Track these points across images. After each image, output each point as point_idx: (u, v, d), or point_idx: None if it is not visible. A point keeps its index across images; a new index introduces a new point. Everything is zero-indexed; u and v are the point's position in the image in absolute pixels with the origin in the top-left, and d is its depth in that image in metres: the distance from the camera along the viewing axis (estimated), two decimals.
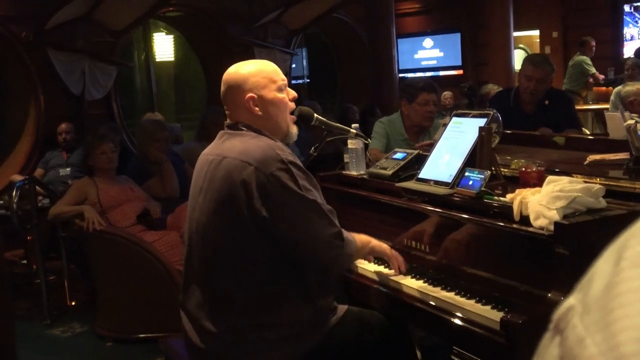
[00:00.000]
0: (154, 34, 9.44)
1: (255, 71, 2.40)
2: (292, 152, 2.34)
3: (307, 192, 2.25)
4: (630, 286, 0.54)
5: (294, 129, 2.51)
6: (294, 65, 10.58)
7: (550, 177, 2.24)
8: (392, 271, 2.62)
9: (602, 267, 0.58)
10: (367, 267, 2.73)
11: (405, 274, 2.59)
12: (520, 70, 4.50)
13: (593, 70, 9.88)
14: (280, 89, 2.42)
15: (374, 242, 2.55)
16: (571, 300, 0.58)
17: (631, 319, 0.52)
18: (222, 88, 2.42)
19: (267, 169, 2.20)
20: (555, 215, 2.05)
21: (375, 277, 2.69)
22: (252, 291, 2.27)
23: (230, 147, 2.32)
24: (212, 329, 2.31)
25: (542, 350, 0.60)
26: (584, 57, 9.93)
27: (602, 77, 9.91)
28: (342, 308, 2.46)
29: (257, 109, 2.36)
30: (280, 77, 2.44)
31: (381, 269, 2.71)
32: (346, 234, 2.34)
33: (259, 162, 2.21)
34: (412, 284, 2.52)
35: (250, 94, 2.35)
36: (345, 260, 2.35)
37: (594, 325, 0.54)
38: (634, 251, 0.56)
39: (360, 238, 2.48)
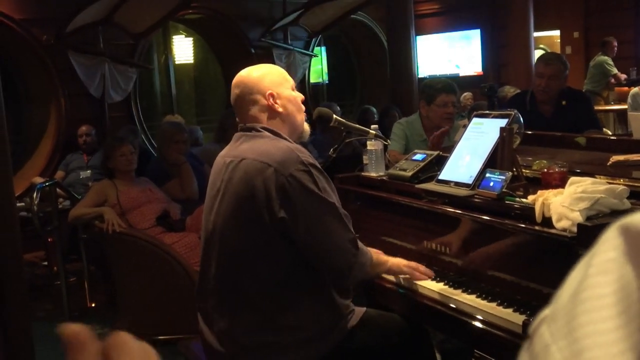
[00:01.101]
0: (174, 37, 9.47)
1: (268, 71, 2.43)
2: (310, 154, 2.32)
3: (326, 195, 2.23)
4: (596, 293, 0.54)
5: (307, 127, 2.52)
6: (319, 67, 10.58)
7: (572, 178, 2.20)
8: None
9: (574, 274, 0.58)
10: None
11: None
12: (534, 70, 4.45)
13: (615, 70, 9.77)
14: (293, 89, 2.44)
15: (391, 262, 2.52)
16: (546, 311, 0.58)
17: (595, 325, 0.52)
18: (236, 91, 2.42)
19: (287, 170, 2.18)
20: (578, 217, 2.02)
21: (395, 280, 2.66)
22: (269, 293, 2.25)
23: (248, 148, 2.31)
24: (229, 331, 2.30)
25: None
26: (606, 58, 9.82)
27: (624, 77, 9.79)
28: (360, 310, 2.44)
29: (276, 105, 2.36)
30: (291, 78, 2.48)
31: None
32: (360, 244, 2.32)
33: (279, 163, 2.20)
34: (432, 286, 2.49)
35: (270, 91, 2.36)
36: (359, 268, 2.31)
37: (559, 331, 0.54)
38: (602, 258, 0.56)
39: (378, 256, 2.46)
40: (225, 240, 2.30)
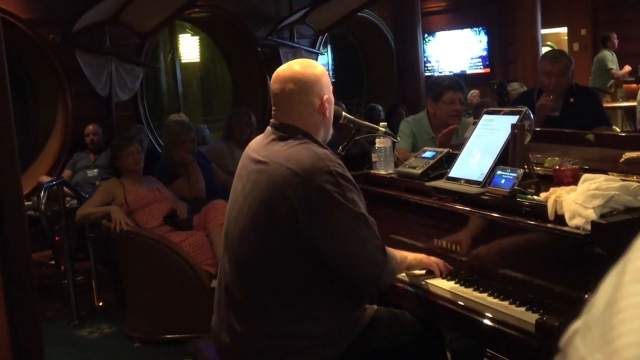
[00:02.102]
0: (180, 36, 9.46)
1: (323, 72, 2.36)
2: (341, 163, 2.25)
3: (354, 205, 2.18)
4: (631, 302, 0.53)
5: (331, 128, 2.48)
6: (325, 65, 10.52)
7: (585, 175, 2.18)
8: (424, 271, 2.58)
9: (604, 286, 0.58)
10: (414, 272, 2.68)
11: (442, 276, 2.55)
12: (539, 70, 4.39)
13: (611, 65, 9.69)
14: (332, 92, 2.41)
15: (410, 257, 2.51)
16: (577, 324, 0.58)
17: (632, 335, 0.50)
18: (290, 86, 2.29)
19: (315, 180, 2.12)
20: (592, 214, 2.00)
21: (406, 278, 2.64)
22: (284, 303, 2.22)
23: (278, 150, 2.25)
24: (241, 333, 2.28)
25: None
26: (606, 53, 9.78)
27: (622, 73, 9.69)
28: (371, 309, 2.43)
29: (327, 110, 2.33)
30: None
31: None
32: (388, 249, 2.29)
33: (307, 171, 2.13)
34: (443, 284, 2.47)
35: (326, 95, 2.31)
36: (388, 276, 2.29)
37: (595, 343, 0.53)
38: (635, 265, 0.55)
39: (400, 254, 2.44)
40: (243, 243, 2.26)
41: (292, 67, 2.34)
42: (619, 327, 0.51)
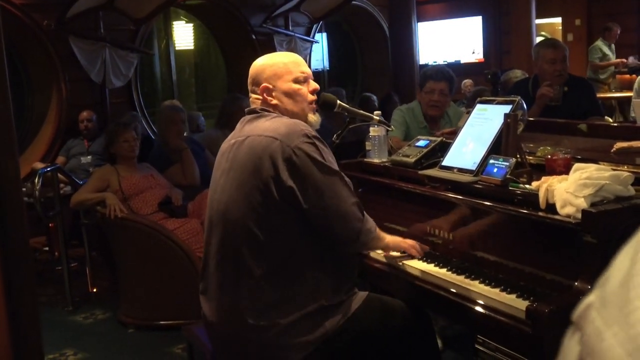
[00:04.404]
0: (174, 22, 9.42)
1: (273, 62, 2.51)
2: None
3: (331, 164, 2.32)
4: None
5: (314, 118, 2.54)
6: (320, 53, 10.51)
7: (577, 165, 2.20)
8: (415, 259, 2.61)
9: (619, 261, 0.59)
10: (391, 253, 2.71)
11: (429, 262, 2.58)
12: (538, 58, 4.35)
13: (593, 54, 9.67)
14: (297, 81, 2.48)
15: (388, 239, 2.58)
16: (590, 298, 0.58)
17: None
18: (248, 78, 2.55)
19: (293, 142, 2.27)
20: (582, 203, 2.02)
21: (397, 265, 2.67)
22: (273, 265, 2.29)
23: (253, 127, 2.40)
24: (232, 308, 2.32)
25: (563, 349, 0.60)
26: (600, 43, 9.79)
27: (604, 64, 9.66)
28: (363, 294, 2.46)
29: (269, 97, 2.46)
30: (299, 70, 2.51)
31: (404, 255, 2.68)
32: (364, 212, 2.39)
33: (284, 136, 2.29)
34: (436, 272, 2.50)
35: (264, 84, 2.46)
36: (366, 234, 2.37)
37: (612, 317, 0.54)
38: None
39: (380, 233, 2.51)
40: (229, 214, 2.34)
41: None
42: (634, 302, 0.53)
